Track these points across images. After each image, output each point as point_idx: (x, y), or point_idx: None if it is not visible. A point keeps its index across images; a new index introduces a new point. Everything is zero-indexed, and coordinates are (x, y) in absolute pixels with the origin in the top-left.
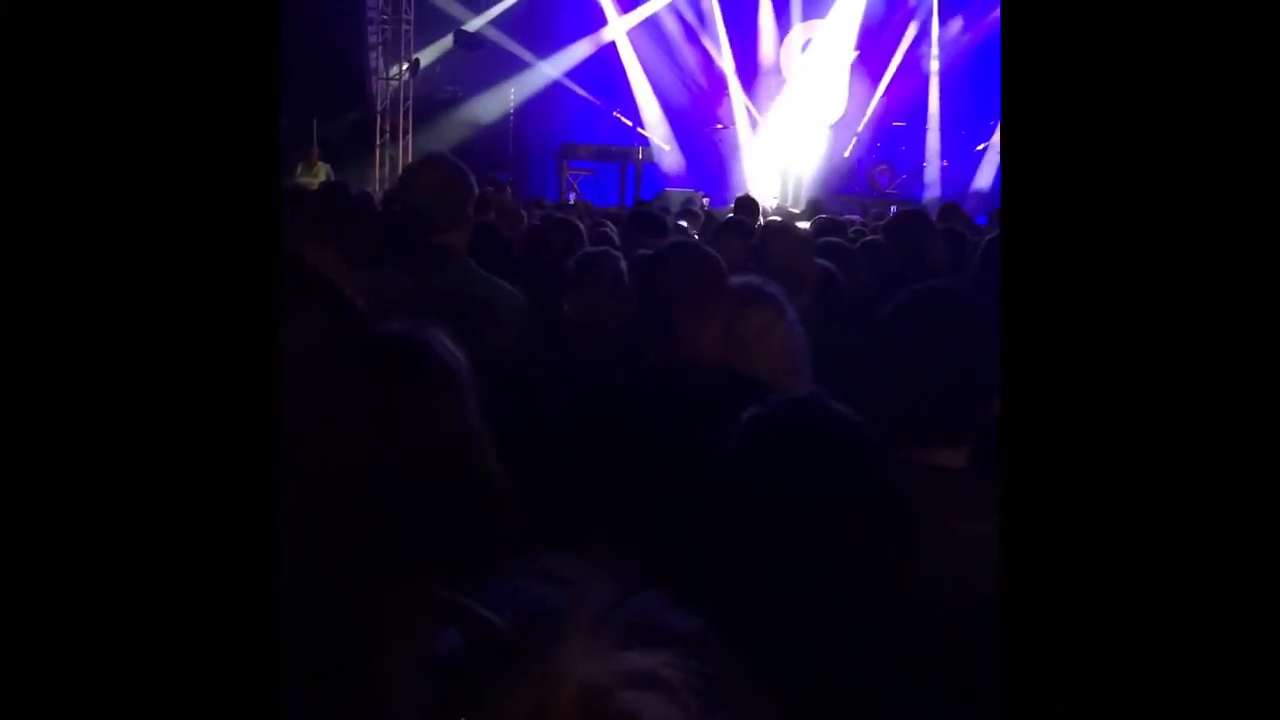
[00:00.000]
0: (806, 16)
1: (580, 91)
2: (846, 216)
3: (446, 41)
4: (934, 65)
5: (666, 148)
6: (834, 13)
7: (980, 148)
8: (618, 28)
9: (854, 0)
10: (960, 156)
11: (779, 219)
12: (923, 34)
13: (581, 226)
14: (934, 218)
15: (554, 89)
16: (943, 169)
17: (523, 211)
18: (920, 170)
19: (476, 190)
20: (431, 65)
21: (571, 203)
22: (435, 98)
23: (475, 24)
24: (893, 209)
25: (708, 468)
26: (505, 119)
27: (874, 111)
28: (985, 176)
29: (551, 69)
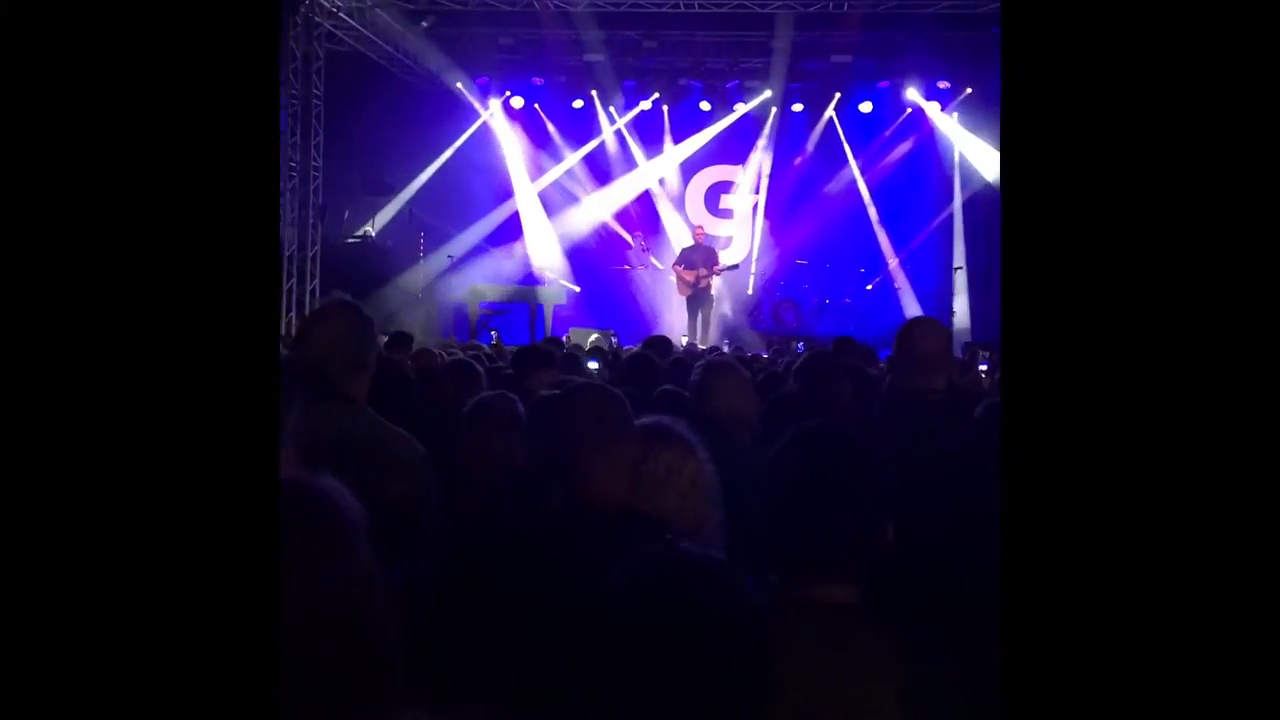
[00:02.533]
0: (712, 161)
1: (490, 250)
2: (753, 353)
3: (357, 189)
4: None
5: (576, 289)
6: (738, 156)
7: (870, 287)
8: (526, 194)
9: (757, 145)
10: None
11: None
12: (819, 175)
13: (480, 369)
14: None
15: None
16: (845, 305)
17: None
18: (824, 306)
19: (378, 337)
20: (341, 209)
21: (491, 343)
22: (344, 242)
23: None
24: (799, 345)
25: (589, 618)
26: (415, 259)
27: (777, 250)
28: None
29: (467, 237)
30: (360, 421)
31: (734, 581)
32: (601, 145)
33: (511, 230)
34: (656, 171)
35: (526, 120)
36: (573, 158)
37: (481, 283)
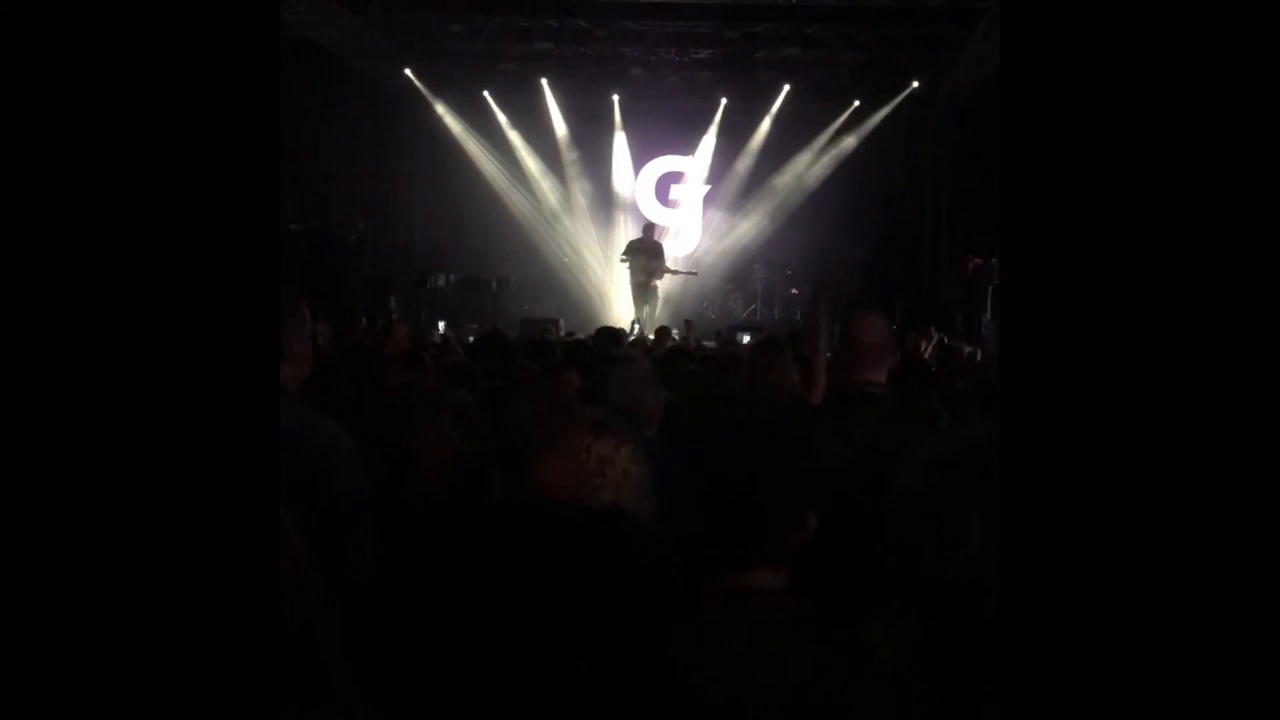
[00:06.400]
0: (661, 151)
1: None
2: (699, 342)
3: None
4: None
5: (527, 278)
6: (688, 147)
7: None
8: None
9: (706, 136)
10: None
11: (622, 350)
12: (768, 165)
13: (427, 359)
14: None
15: (410, 222)
16: (793, 296)
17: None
18: (773, 297)
19: (308, 325)
20: (285, 199)
21: (440, 333)
22: (289, 228)
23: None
24: (745, 337)
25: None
26: (362, 248)
27: (726, 240)
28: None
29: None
30: (287, 413)
31: (633, 525)
32: (553, 136)
33: (463, 218)
34: (608, 163)
35: (476, 108)
36: (529, 161)
37: (430, 271)
